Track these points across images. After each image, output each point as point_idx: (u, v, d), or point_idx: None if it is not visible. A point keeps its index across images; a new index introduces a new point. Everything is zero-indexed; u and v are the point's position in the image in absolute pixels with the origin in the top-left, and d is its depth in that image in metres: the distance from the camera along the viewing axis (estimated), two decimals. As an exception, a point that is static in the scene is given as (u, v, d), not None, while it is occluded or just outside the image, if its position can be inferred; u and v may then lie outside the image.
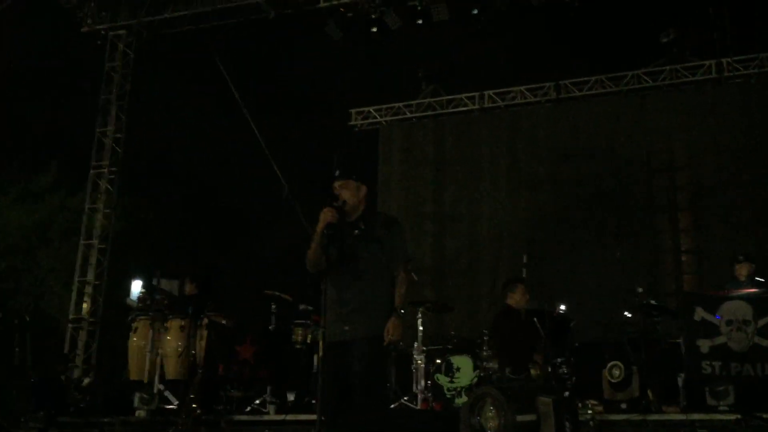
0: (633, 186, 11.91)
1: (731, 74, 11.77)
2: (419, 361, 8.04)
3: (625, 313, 8.22)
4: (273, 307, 8.53)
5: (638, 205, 11.84)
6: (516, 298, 7.17)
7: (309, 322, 8.24)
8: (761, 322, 6.80)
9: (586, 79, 12.58)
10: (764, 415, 5.91)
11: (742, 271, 8.51)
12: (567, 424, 2.93)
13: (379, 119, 13.84)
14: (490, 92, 13.15)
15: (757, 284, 8.21)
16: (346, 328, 4.44)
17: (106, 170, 12.64)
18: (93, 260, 12.28)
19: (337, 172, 4.71)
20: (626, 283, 9.89)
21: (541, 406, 3.01)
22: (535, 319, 6.98)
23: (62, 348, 11.77)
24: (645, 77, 12.32)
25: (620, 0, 11.23)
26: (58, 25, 12.91)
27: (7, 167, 16.40)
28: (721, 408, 6.32)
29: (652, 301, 7.91)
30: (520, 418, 3.03)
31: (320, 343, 4.49)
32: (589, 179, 12.06)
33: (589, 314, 10.95)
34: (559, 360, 8.10)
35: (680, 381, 7.41)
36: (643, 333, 7.53)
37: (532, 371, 6.43)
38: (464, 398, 7.78)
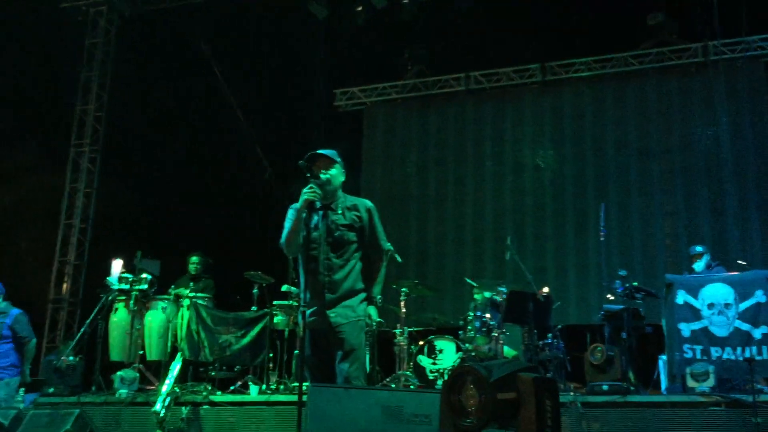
0: (617, 169, 11.92)
1: (717, 58, 11.78)
2: (402, 343, 8.04)
3: (608, 295, 8.23)
4: (255, 288, 8.48)
5: (622, 188, 11.84)
6: None
7: (291, 303, 8.19)
8: (742, 306, 6.80)
9: (572, 61, 12.55)
10: (742, 398, 5.95)
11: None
12: (548, 403, 2.89)
13: (363, 100, 13.74)
14: (476, 73, 13.08)
15: (739, 267, 8.25)
16: (332, 314, 4.41)
17: (86, 149, 12.50)
18: (74, 240, 12.16)
19: (323, 151, 4.63)
20: (609, 266, 9.91)
21: (521, 385, 2.97)
22: None
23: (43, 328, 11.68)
24: (632, 60, 12.30)
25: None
26: (36, 1, 12.68)
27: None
28: (702, 390, 6.34)
29: (635, 284, 7.92)
30: (500, 395, 2.99)
31: (302, 323, 4.46)
32: (573, 162, 12.06)
33: (572, 297, 11.01)
34: (541, 342, 8.14)
35: (661, 363, 7.45)
36: (626, 316, 7.52)
37: None
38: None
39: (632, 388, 6.86)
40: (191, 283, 9.11)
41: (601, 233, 8.83)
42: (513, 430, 2.96)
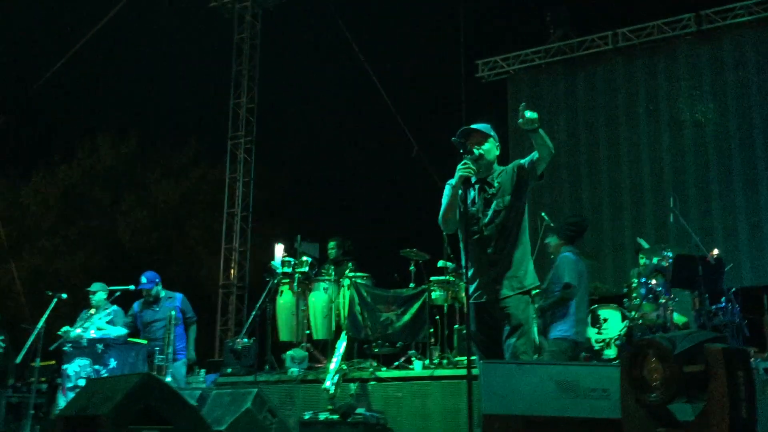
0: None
1: None
2: (564, 314, 7.86)
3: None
4: (411, 265, 8.56)
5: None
6: None
7: (448, 278, 8.21)
8: None
9: (730, 6, 11.69)
10: None
11: None
12: (740, 374, 2.72)
13: (506, 68, 13.47)
14: (624, 30, 12.49)
15: None
16: (498, 287, 4.38)
17: (242, 141, 13.07)
18: (237, 228, 12.80)
19: (476, 125, 4.57)
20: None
21: (709, 356, 2.81)
22: None
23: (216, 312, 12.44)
24: (799, -2, 11.32)
25: None
26: (187, 4, 13.36)
27: (151, 146, 17.33)
28: None
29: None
30: (686, 368, 2.85)
31: (465, 300, 4.46)
32: (737, 114, 11.32)
33: (745, 257, 10.38)
34: (714, 307, 7.72)
35: None
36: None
37: None
38: (613, 350, 7.58)
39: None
40: (332, 268, 9.26)
41: None
42: (702, 405, 2.81)
